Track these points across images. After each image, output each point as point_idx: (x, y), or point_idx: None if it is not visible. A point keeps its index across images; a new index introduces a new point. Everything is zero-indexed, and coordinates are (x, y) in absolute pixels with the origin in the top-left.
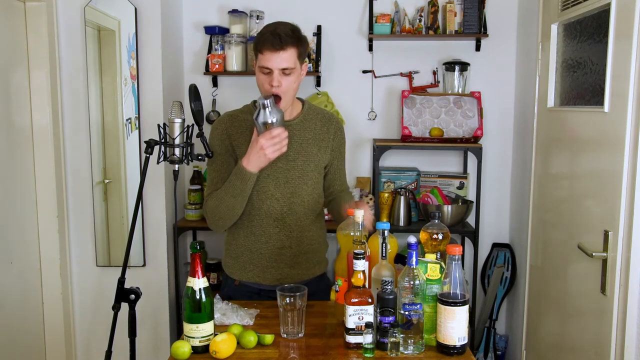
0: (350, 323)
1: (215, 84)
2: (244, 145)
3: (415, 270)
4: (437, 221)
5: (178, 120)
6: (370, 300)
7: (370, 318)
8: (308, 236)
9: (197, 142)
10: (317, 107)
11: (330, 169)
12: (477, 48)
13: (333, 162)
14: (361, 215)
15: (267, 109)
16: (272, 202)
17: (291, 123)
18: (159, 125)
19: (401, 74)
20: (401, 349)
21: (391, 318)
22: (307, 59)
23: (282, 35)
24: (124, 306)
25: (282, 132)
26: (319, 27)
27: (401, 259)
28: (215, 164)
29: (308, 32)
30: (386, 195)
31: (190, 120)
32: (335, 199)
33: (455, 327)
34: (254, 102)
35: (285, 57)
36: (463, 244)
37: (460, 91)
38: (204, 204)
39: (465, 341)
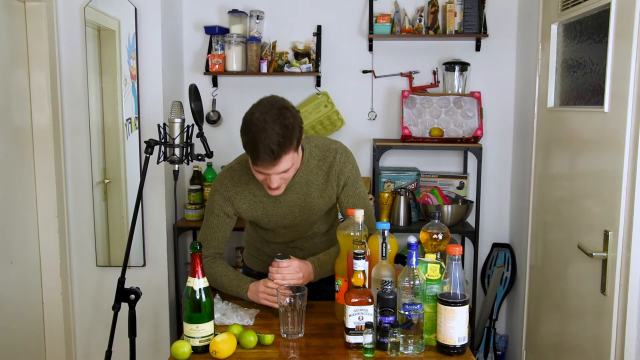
0: (350, 323)
1: (215, 84)
2: (249, 211)
3: (415, 270)
4: (437, 221)
5: (178, 120)
6: (370, 300)
7: (370, 318)
8: (322, 248)
9: (197, 142)
10: (315, 149)
11: (340, 205)
12: (477, 48)
13: (340, 198)
14: (361, 215)
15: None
16: (281, 238)
17: (293, 182)
18: (159, 125)
19: (401, 74)
20: (401, 349)
21: (391, 318)
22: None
23: (275, 148)
24: (124, 306)
25: (273, 288)
26: (319, 27)
27: (401, 259)
28: (211, 221)
29: (308, 32)
30: (386, 195)
31: (190, 120)
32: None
33: (455, 327)
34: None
35: (282, 164)
36: (463, 244)
37: (460, 91)
38: (205, 261)
39: (465, 341)
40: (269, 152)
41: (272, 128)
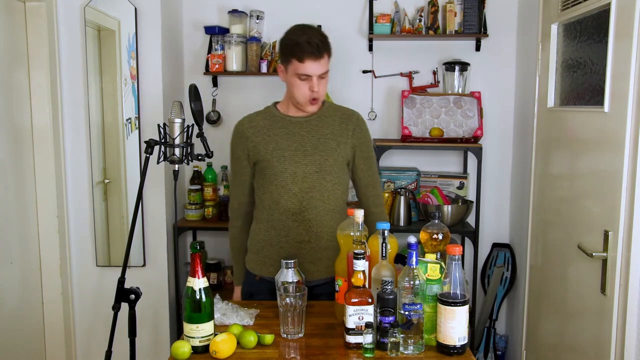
0: (350, 323)
1: (215, 84)
2: (261, 144)
3: (415, 270)
4: (437, 221)
5: (178, 120)
6: (370, 300)
7: (370, 318)
8: (328, 232)
9: (197, 142)
10: (338, 105)
11: (355, 169)
12: (477, 48)
13: (355, 161)
14: (361, 215)
15: (290, 269)
16: (290, 197)
17: (308, 119)
18: (159, 125)
19: (401, 74)
20: (401, 349)
21: (391, 318)
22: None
23: (320, 43)
24: (124, 306)
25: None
26: (319, 27)
27: (401, 259)
28: (233, 166)
29: None
30: (386, 195)
31: (190, 120)
32: (367, 217)
33: (455, 327)
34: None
35: (324, 64)
36: (463, 244)
37: (460, 91)
38: (230, 220)
39: (465, 341)
40: (315, 45)
41: (311, 31)
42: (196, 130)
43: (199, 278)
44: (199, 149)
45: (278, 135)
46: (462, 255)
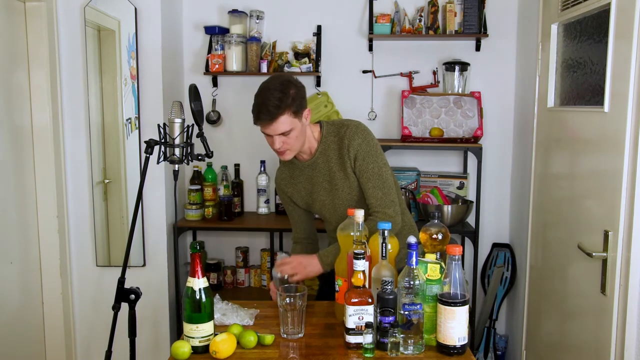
0: (350, 323)
1: (215, 84)
2: (295, 194)
3: (415, 270)
4: (437, 221)
5: (178, 120)
6: (370, 300)
7: (370, 318)
8: None
9: (197, 142)
10: (332, 126)
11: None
12: (477, 48)
13: (360, 179)
14: (361, 215)
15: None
16: (333, 227)
17: (314, 160)
18: (159, 125)
19: (401, 74)
20: (401, 349)
21: (391, 318)
22: (307, 105)
23: (271, 108)
24: (124, 306)
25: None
26: (319, 27)
27: None
28: (287, 210)
29: (308, 32)
30: None
31: (190, 120)
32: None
33: (455, 327)
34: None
35: (279, 126)
36: (463, 244)
37: (460, 91)
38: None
39: (465, 341)
40: (266, 111)
41: (272, 93)
42: (196, 130)
43: (198, 278)
44: (199, 149)
45: (301, 183)
46: (462, 255)
